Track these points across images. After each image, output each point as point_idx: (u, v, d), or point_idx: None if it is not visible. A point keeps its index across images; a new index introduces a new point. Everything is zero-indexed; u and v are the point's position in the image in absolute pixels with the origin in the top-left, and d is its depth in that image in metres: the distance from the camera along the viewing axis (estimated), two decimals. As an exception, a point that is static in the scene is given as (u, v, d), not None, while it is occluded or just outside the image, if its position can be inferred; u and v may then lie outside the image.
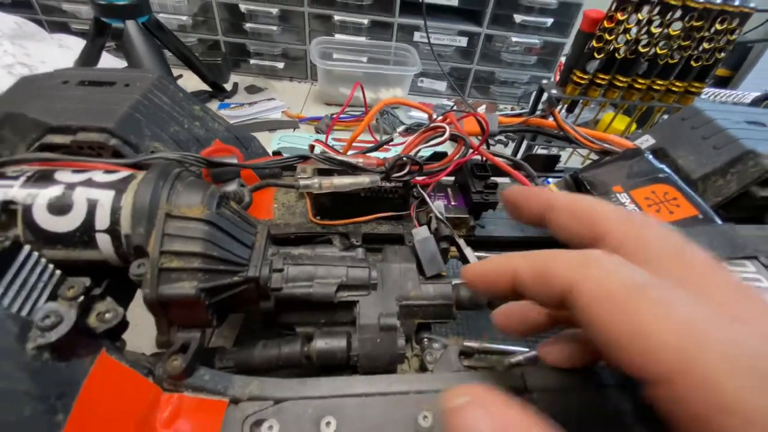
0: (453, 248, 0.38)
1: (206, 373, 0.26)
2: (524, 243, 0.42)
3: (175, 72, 0.98)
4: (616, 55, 0.64)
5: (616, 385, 0.29)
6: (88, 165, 0.25)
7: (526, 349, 0.34)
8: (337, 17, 0.99)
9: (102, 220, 0.24)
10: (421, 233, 0.34)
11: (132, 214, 0.23)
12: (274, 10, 0.99)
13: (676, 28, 0.59)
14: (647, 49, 0.62)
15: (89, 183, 0.24)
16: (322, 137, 0.87)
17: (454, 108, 0.42)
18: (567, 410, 0.28)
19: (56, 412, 0.18)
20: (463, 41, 1.02)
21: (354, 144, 0.42)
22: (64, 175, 0.25)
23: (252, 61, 1.08)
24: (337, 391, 0.26)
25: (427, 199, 0.37)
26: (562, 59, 1.06)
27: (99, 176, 0.25)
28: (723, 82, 1.10)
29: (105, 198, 0.24)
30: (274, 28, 1.03)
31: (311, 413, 0.25)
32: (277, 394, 0.26)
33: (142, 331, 0.28)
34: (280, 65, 1.09)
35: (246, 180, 0.38)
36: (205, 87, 0.95)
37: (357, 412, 0.25)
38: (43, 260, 0.22)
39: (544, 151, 0.60)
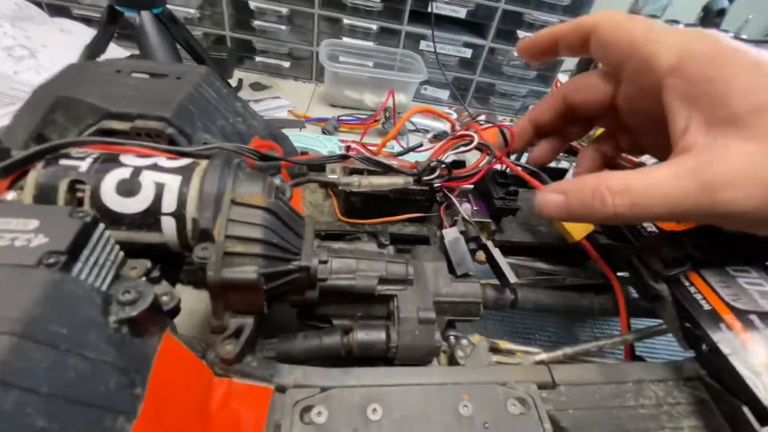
0: (479, 252, 0.40)
1: (253, 360, 0.27)
2: (540, 248, 0.45)
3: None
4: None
5: (636, 381, 0.31)
6: (152, 151, 0.25)
7: (541, 349, 0.36)
8: (346, 21, 1.01)
9: (169, 203, 0.24)
10: (451, 233, 0.36)
11: (199, 198, 0.24)
12: (284, 10, 1.00)
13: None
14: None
15: (155, 167, 0.25)
16: (330, 138, 0.88)
17: (480, 119, 0.44)
18: (590, 401, 0.30)
19: (135, 386, 0.18)
20: (467, 52, 1.06)
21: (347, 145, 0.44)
22: (130, 159, 0.25)
23: (258, 59, 1.08)
24: (380, 380, 0.28)
25: (455, 201, 0.39)
26: (559, 76, 1.11)
27: (163, 162, 0.26)
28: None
29: (172, 182, 0.24)
30: (283, 27, 1.03)
31: (358, 401, 0.26)
32: (322, 382, 0.27)
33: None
34: (286, 64, 1.09)
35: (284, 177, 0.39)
36: (211, 81, 0.94)
37: (401, 400, 0.27)
38: (113, 239, 0.22)
39: (552, 164, 0.63)
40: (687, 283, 0.33)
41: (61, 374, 0.16)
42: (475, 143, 0.39)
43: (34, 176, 0.23)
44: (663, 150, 0.31)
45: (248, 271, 0.24)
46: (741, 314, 0.30)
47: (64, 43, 0.91)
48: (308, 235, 0.29)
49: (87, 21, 1.01)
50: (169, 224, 0.24)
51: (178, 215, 0.24)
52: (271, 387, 0.26)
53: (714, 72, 0.25)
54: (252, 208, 0.25)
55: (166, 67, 0.33)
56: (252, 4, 1.00)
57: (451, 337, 0.35)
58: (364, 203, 0.40)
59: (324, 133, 0.90)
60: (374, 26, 1.02)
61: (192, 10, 1.00)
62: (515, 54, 1.07)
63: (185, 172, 0.25)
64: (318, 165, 0.47)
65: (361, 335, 0.30)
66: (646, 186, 0.25)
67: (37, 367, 0.15)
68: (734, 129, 0.24)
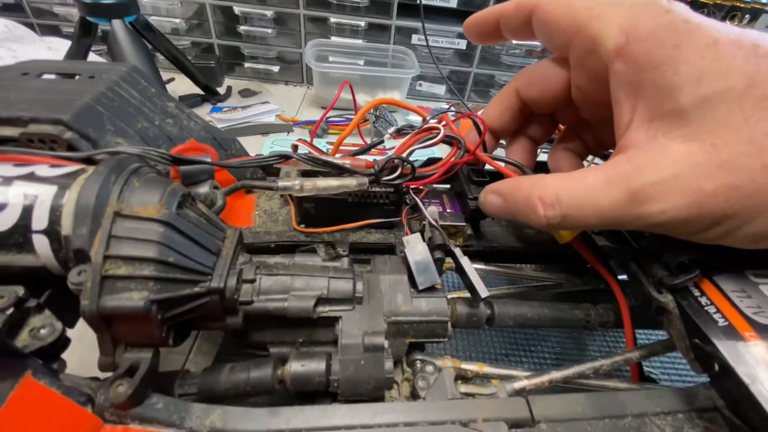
0: (449, 260, 0.35)
1: (159, 401, 0.22)
2: (524, 254, 0.39)
3: (167, 75, 0.96)
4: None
5: (637, 414, 0.25)
6: (30, 158, 0.22)
7: (529, 373, 0.31)
8: (333, 19, 0.97)
9: (40, 219, 0.20)
10: (412, 241, 0.31)
11: (75, 212, 0.20)
12: (269, 13, 0.97)
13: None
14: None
15: (30, 177, 0.21)
16: (319, 141, 0.84)
17: (451, 109, 0.39)
18: (577, 443, 0.24)
19: None
20: (462, 44, 1.00)
21: (344, 148, 0.39)
22: (3, 169, 0.21)
23: (247, 65, 1.06)
24: (313, 422, 0.23)
25: (420, 203, 0.34)
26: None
27: (43, 170, 0.22)
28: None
29: (45, 194, 0.21)
30: (269, 30, 1.01)
31: (281, 445, 0.21)
32: (243, 426, 0.22)
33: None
34: (275, 69, 1.07)
35: (222, 184, 0.35)
36: (198, 90, 0.92)
37: (334, 448, 0.22)
38: (-37, 266, 0.18)
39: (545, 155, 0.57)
40: (697, 293, 0.27)
41: None
42: (440, 136, 0.34)
43: None
44: None
45: (134, 298, 0.20)
46: (765, 331, 0.24)
47: (52, 59, 0.91)
48: (227, 251, 0.25)
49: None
50: (42, 244, 0.21)
51: (51, 232, 0.20)
52: (180, 433, 0.22)
53: (662, 54, 0.21)
54: (142, 220, 0.21)
55: (79, 65, 0.30)
56: (236, 9, 0.97)
57: (417, 362, 0.30)
58: (320, 209, 0.36)
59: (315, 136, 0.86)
60: (362, 23, 0.98)
61: (177, 20, 0.99)
62: (513, 42, 1.01)
63: (65, 181, 0.21)
64: (276, 171, 0.43)
65: (295, 366, 0.25)
66: (577, 196, 0.23)
67: None
68: (677, 125, 0.21)
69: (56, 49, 0.97)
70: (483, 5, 0.94)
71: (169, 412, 0.22)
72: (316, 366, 0.25)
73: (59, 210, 0.20)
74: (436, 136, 0.35)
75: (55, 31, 1.03)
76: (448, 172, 0.36)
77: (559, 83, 0.30)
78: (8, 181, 0.21)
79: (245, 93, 1.02)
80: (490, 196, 0.30)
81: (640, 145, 0.22)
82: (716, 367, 0.25)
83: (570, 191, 0.23)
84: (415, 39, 1.00)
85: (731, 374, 0.23)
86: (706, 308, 0.26)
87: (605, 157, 0.39)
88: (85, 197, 0.20)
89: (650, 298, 0.29)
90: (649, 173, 0.21)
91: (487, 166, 0.39)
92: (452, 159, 0.35)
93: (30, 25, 1.01)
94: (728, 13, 0.53)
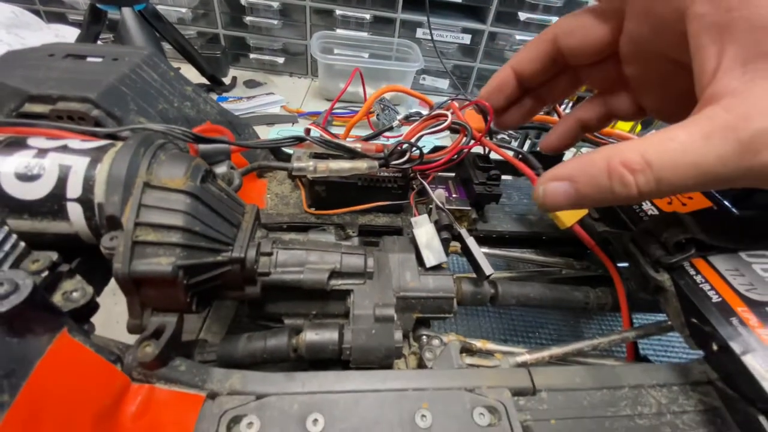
0: (454, 243, 0.36)
1: (182, 364, 0.24)
2: (530, 238, 0.41)
3: (173, 64, 0.96)
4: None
5: (634, 386, 0.27)
6: (61, 133, 0.23)
7: (525, 350, 0.32)
8: (338, 12, 0.98)
9: (74, 188, 0.21)
10: (420, 221, 0.32)
11: (107, 181, 0.21)
12: (275, 4, 0.98)
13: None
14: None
15: (63, 149, 0.22)
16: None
17: (459, 97, 0.40)
18: (576, 409, 0.26)
19: (1, 391, 0.15)
20: (466, 38, 1.01)
21: (349, 139, 0.40)
22: (38, 141, 0.23)
23: (252, 56, 1.07)
24: (327, 386, 0.24)
25: (427, 187, 0.35)
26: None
27: (75, 143, 0.23)
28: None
29: (79, 164, 0.22)
30: (275, 22, 1.01)
31: (297, 409, 0.23)
32: (261, 388, 0.24)
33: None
34: (280, 60, 1.07)
35: (237, 166, 0.36)
36: (203, 80, 0.93)
37: (348, 409, 0.23)
38: (6, 228, 0.20)
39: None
40: (692, 272, 0.29)
41: None
42: (448, 122, 0.36)
43: None
44: (676, 108, 0.25)
45: (162, 263, 0.21)
46: (757, 307, 0.26)
47: (59, 47, 0.92)
48: (247, 224, 0.26)
49: (82, 26, 1.01)
50: (75, 211, 0.22)
51: (85, 201, 0.22)
52: (201, 394, 0.23)
53: None
54: (170, 191, 0.22)
55: (103, 48, 0.31)
56: (243, 0, 0.98)
57: (423, 336, 0.31)
58: (330, 193, 0.37)
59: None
60: (368, 15, 0.98)
61: (184, 10, 1.00)
62: (517, 38, 1.01)
63: (96, 154, 0.22)
64: (286, 156, 0.44)
65: (310, 335, 0.27)
66: (672, 156, 0.20)
67: None
68: None
69: (63, 36, 0.97)
70: (488, 0, 0.96)
71: (192, 374, 0.24)
72: (330, 335, 0.27)
73: (92, 179, 0.22)
74: (444, 122, 0.36)
75: (61, 18, 1.04)
76: (456, 157, 0.38)
77: (605, 34, 0.28)
78: (43, 152, 0.22)
79: (250, 84, 1.03)
80: (552, 185, 0.24)
81: (737, 92, 0.19)
82: (714, 346, 0.26)
83: (661, 152, 0.20)
84: (419, 33, 1.01)
85: (725, 347, 0.25)
86: (700, 285, 0.28)
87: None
88: (117, 168, 0.22)
89: (648, 277, 0.30)
90: (759, 119, 0.18)
91: (493, 154, 0.40)
92: (460, 144, 0.36)
93: (37, 12, 1.02)
94: None
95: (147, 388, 0.22)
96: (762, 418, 0.23)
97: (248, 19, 1.01)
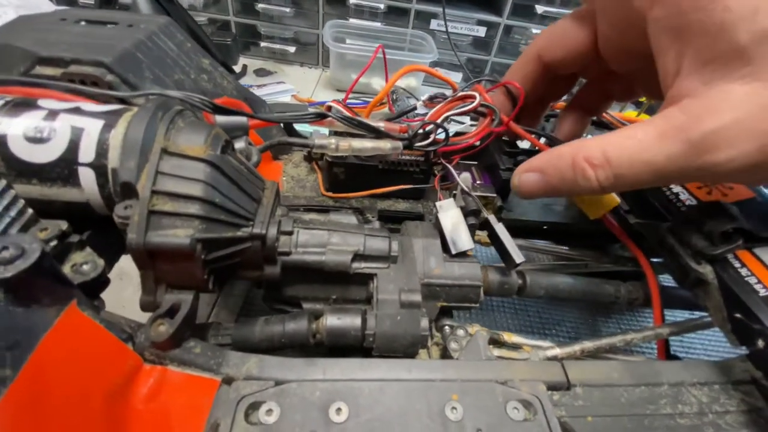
0: (479, 232, 0.34)
1: (197, 346, 0.22)
2: (555, 229, 0.39)
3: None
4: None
5: (674, 383, 0.25)
6: (73, 96, 0.21)
7: (554, 344, 0.31)
8: (352, 0, 0.96)
9: (87, 152, 0.20)
10: (446, 206, 0.31)
11: (122, 146, 0.20)
12: (289, -9, 0.97)
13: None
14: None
15: (76, 111, 0.21)
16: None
17: (487, 78, 0.38)
18: (614, 406, 0.24)
19: (3, 365, 0.14)
20: (481, 31, 0.99)
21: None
22: (49, 102, 0.21)
23: (263, 44, 1.05)
24: (351, 374, 0.23)
25: (452, 170, 0.34)
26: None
27: (89, 106, 0.21)
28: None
29: (92, 127, 0.20)
30: (287, 10, 1.00)
31: (318, 397, 0.21)
32: (279, 374, 0.22)
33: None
34: (291, 49, 1.06)
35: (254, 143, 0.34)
36: (213, 67, 0.91)
37: (373, 398, 0.22)
38: (12, 191, 0.18)
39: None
40: (737, 264, 0.27)
41: None
42: (477, 103, 0.34)
43: None
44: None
45: (179, 235, 0.20)
46: (811, 301, 0.24)
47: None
48: (268, 200, 0.24)
49: (91, 9, 1.00)
50: (88, 177, 0.20)
51: (98, 166, 0.20)
52: (216, 378, 0.22)
53: None
54: (189, 159, 0.21)
55: (117, 15, 0.30)
56: (255, -14, 0.96)
57: (446, 327, 0.30)
58: (349, 175, 0.35)
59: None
60: (381, 5, 0.97)
61: (196, -5, 0.98)
62: (533, 31, 0.99)
63: (111, 117, 0.21)
64: (296, 135, 0.42)
65: (331, 320, 0.25)
66: (629, 153, 0.22)
67: None
68: (735, 65, 0.19)
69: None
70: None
71: (207, 357, 0.22)
72: (352, 320, 0.25)
73: (106, 143, 0.20)
74: (471, 104, 0.34)
75: (71, 2, 1.02)
76: (482, 142, 0.36)
77: (584, 39, 0.29)
78: (54, 114, 0.21)
79: (260, 72, 1.01)
80: (525, 176, 0.27)
81: (695, 93, 0.21)
82: (760, 342, 0.25)
83: (619, 150, 0.22)
84: (434, 24, 0.99)
85: (775, 344, 0.23)
86: (746, 278, 0.26)
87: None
88: (134, 131, 0.20)
89: (688, 269, 0.28)
90: (709, 121, 0.19)
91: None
92: (487, 127, 0.35)
93: (46, -4, 1.01)
94: None
95: (159, 370, 0.21)
96: (815, 419, 0.21)
97: (260, 6, 1.00)
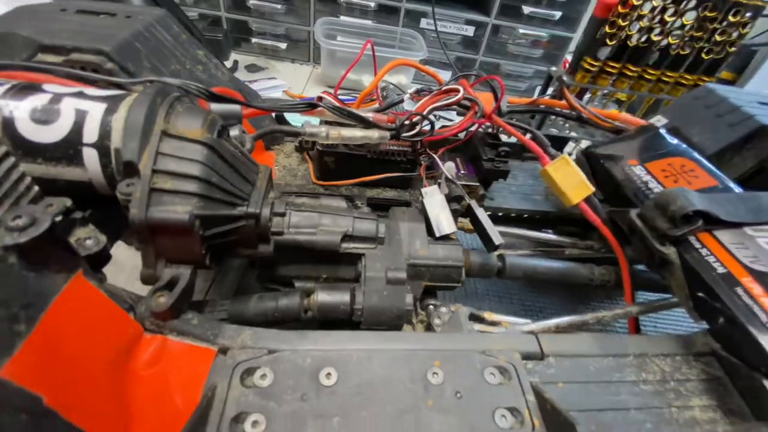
0: (461, 220, 0.36)
1: (195, 318, 0.24)
2: (535, 218, 0.41)
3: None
4: (628, 42, 0.63)
5: (639, 354, 0.27)
6: (76, 83, 0.22)
7: (529, 321, 0.33)
8: (343, -1, 0.98)
9: (90, 133, 0.21)
10: (431, 192, 0.33)
11: (125, 128, 0.21)
12: (280, -12, 0.97)
13: (689, 18, 0.59)
14: (659, 38, 0.61)
15: (80, 95, 0.22)
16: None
17: (469, 73, 0.40)
18: (583, 374, 0.26)
19: (18, 321, 0.15)
20: (470, 30, 1.01)
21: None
22: (53, 87, 0.22)
23: (254, 40, 1.06)
24: (340, 344, 0.24)
25: (437, 159, 0.35)
26: (567, 57, 1.06)
27: (91, 91, 0.23)
28: (726, 85, 1.10)
29: (96, 110, 0.21)
30: (279, 6, 1.01)
31: (310, 363, 0.23)
32: (273, 345, 0.24)
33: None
34: (283, 46, 1.07)
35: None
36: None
37: (361, 365, 0.23)
38: (20, 169, 0.19)
39: (554, 131, 0.59)
40: (698, 245, 0.29)
41: None
42: (460, 96, 0.36)
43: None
44: None
45: (179, 211, 0.21)
46: (762, 277, 0.26)
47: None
48: (261, 183, 0.26)
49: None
50: (91, 157, 0.21)
51: (101, 146, 0.21)
52: (213, 348, 0.23)
53: None
54: (188, 141, 0.22)
55: (115, 6, 0.31)
56: (247, -17, 0.97)
57: (430, 305, 0.32)
58: (339, 164, 0.37)
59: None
60: (372, 3, 0.98)
61: (187, -10, 0.99)
62: (521, 31, 1.02)
63: (113, 101, 0.22)
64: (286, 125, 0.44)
65: (322, 296, 0.27)
66: None
67: None
68: None
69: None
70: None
71: (204, 328, 0.23)
72: (342, 296, 0.27)
73: (109, 125, 0.21)
74: (455, 97, 0.36)
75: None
76: (466, 134, 0.38)
77: None
78: (58, 97, 0.22)
79: (252, 68, 1.02)
80: None
81: None
82: (719, 317, 0.27)
83: None
84: (423, 23, 1.01)
85: (730, 317, 0.25)
86: (706, 258, 0.28)
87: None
88: (135, 115, 0.21)
89: (654, 250, 0.31)
90: None
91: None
92: (470, 118, 0.37)
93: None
94: (731, 9, 0.55)
95: (160, 339, 0.22)
96: (766, 382, 0.23)
97: (251, 2, 1.00)
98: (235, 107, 0.29)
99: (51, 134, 0.21)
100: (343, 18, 1.00)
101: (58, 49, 0.26)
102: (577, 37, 1.02)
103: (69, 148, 0.21)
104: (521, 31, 1.00)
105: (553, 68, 0.68)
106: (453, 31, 1.01)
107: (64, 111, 0.21)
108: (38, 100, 0.21)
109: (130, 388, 0.20)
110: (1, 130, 0.21)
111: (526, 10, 0.97)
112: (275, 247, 0.26)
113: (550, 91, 0.66)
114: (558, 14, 0.99)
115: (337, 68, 0.98)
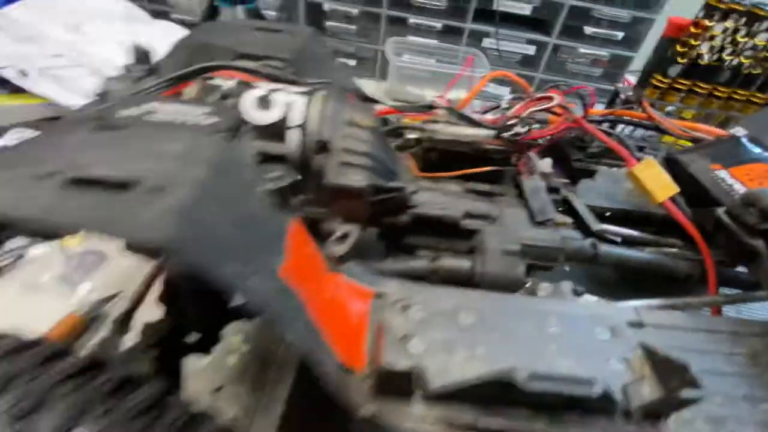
0: (559, 217, 0.40)
1: (357, 268, 0.29)
2: (620, 215, 0.44)
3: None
4: (699, 61, 0.65)
5: (731, 332, 0.30)
6: (277, 83, 0.29)
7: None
8: (412, 20, 1.06)
9: (296, 118, 0.28)
10: (532, 181, 0.37)
11: (321, 116, 0.28)
12: (355, 10, 1.07)
13: (762, 38, 0.61)
14: (731, 58, 0.63)
15: (284, 90, 0.29)
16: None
17: (559, 84, 0.45)
18: (681, 344, 0.29)
19: (282, 238, 0.21)
20: (530, 49, 1.06)
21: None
22: (263, 84, 0.29)
23: (327, 57, 1.16)
24: (471, 297, 0.29)
25: (534, 156, 0.40)
26: (627, 76, 1.08)
27: (291, 87, 0.30)
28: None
29: (300, 101, 0.28)
30: (352, 27, 1.10)
31: (453, 306, 0.28)
32: (416, 293, 0.29)
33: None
34: (352, 63, 1.16)
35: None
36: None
37: (493, 314, 0.28)
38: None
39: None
40: (788, 237, 0.32)
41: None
42: (556, 101, 0.41)
43: (195, 88, 0.28)
44: None
45: (359, 179, 0.27)
46: None
47: (165, 40, 1.04)
48: (403, 166, 0.32)
49: (183, 24, 1.14)
50: (293, 136, 0.28)
51: (302, 128, 0.28)
52: (372, 290, 0.29)
53: None
54: (364, 128, 0.28)
55: (279, 26, 0.38)
56: (326, 6, 1.08)
57: (529, 282, 0.36)
58: (442, 159, 0.42)
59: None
60: (438, 24, 1.06)
61: (273, 12, 1.10)
62: (581, 50, 1.05)
63: (308, 96, 0.29)
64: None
65: (448, 261, 0.32)
66: None
67: (221, 200, 0.19)
68: None
69: (169, 32, 1.10)
70: (555, 13, 1.01)
71: (363, 275, 0.29)
72: (465, 262, 0.32)
73: (308, 114, 0.28)
74: (550, 103, 0.41)
75: (164, 16, 1.17)
76: (552, 138, 0.42)
77: None
78: (271, 91, 0.29)
79: (324, 82, 1.12)
80: None
81: None
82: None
83: None
84: (486, 42, 1.07)
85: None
86: (797, 249, 0.31)
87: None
88: (327, 106, 0.28)
89: (741, 243, 0.34)
90: None
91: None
92: (562, 123, 0.41)
93: (142, 8, 1.15)
94: (750, 19, 0.57)
95: (337, 275, 0.28)
96: None
97: (328, 24, 1.11)
98: (372, 106, 0.35)
99: (268, 117, 0.28)
100: (410, 38, 1.08)
101: (251, 57, 0.33)
102: (638, 56, 1.04)
103: (278, 129, 0.28)
104: (582, 50, 1.04)
105: (619, 85, 0.71)
106: (514, 50, 1.07)
107: (277, 101, 0.28)
108: (258, 93, 0.28)
109: (325, 305, 0.26)
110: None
111: (588, 30, 1.01)
112: (410, 218, 0.32)
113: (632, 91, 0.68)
114: (620, 35, 1.02)
115: (402, 83, 1.05)
